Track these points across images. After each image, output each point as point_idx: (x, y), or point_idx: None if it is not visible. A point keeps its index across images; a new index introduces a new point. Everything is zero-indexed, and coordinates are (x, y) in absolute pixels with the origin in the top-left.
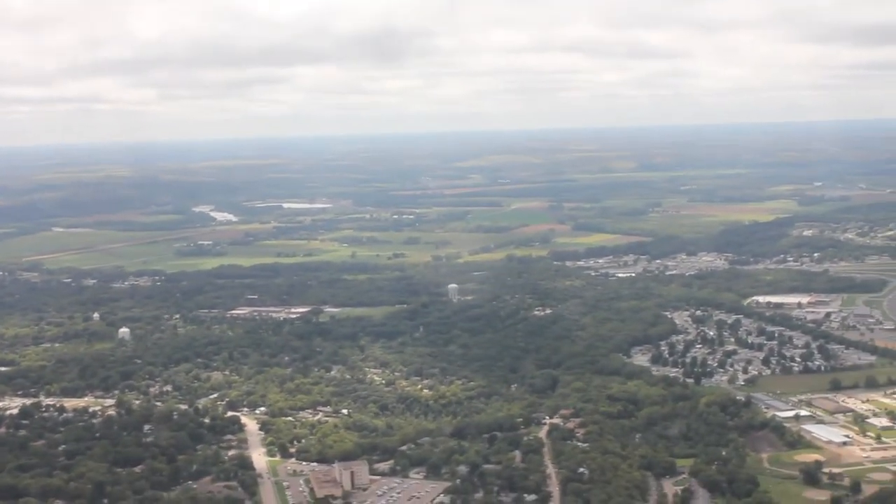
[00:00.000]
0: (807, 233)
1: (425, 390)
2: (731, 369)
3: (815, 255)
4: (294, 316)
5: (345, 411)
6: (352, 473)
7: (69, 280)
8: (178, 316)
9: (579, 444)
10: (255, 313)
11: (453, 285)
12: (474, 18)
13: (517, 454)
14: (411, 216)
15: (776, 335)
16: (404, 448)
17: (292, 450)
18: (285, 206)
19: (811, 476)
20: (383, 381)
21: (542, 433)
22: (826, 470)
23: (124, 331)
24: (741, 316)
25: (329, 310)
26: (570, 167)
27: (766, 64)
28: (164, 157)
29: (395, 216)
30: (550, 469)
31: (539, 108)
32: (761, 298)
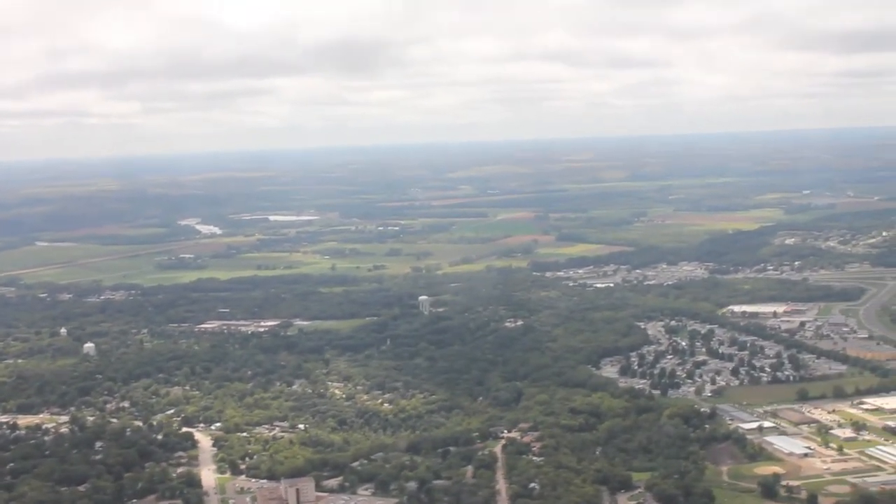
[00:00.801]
0: (789, 241)
1: (385, 404)
2: (699, 380)
3: (796, 263)
4: (262, 329)
5: (301, 426)
6: (297, 491)
7: (45, 295)
8: (145, 330)
9: (534, 458)
10: (224, 327)
11: (424, 297)
12: (442, 27)
13: (469, 469)
14: (396, 228)
15: (748, 345)
16: (356, 464)
17: (243, 466)
18: (271, 218)
19: (769, 489)
20: (344, 396)
21: (498, 448)
22: (784, 483)
23: (89, 346)
24: (715, 326)
25: (299, 323)
26: (560, 177)
27: (750, 72)
28: (153, 170)
29: (381, 228)
30: (501, 484)
31: (529, 118)
32: (737, 308)
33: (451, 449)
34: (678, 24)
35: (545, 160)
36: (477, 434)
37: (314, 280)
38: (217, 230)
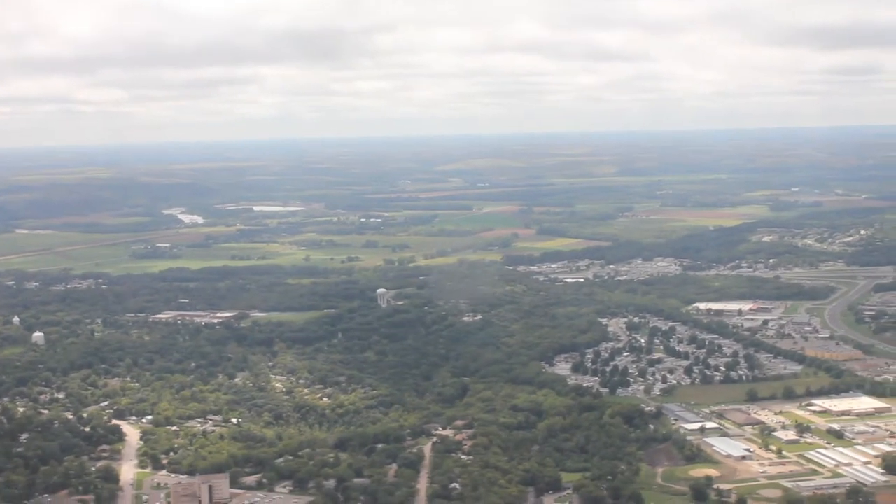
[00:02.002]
0: (766, 238)
1: (325, 399)
2: (650, 379)
3: (771, 261)
4: (216, 321)
5: (235, 420)
6: (210, 488)
7: (12, 282)
8: (99, 320)
9: (463, 457)
10: (179, 318)
11: (382, 290)
12: (405, 16)
13: (393, 468)
14: (379, 219)
15: (706, 343)
16: (280, 460)
17: (165, 461)
18: (256, 208)
19: (699, 492)
20: (284, 389)
21: (428, 446)
22: (717, 486)
23: (38, 335)
24: (678, 323)
25: (256, 314)
26: (551, 171)
27: (737, 68)
28: (147, 159)
29: (363, 219)
30: (422, 484)
31: (524, 112)
32: (702, 305)
33: (378, 446)
34: (649, 16)
35: (538, 154)
36: (409, 431)
37: (284, 271)
38: (200, 220)
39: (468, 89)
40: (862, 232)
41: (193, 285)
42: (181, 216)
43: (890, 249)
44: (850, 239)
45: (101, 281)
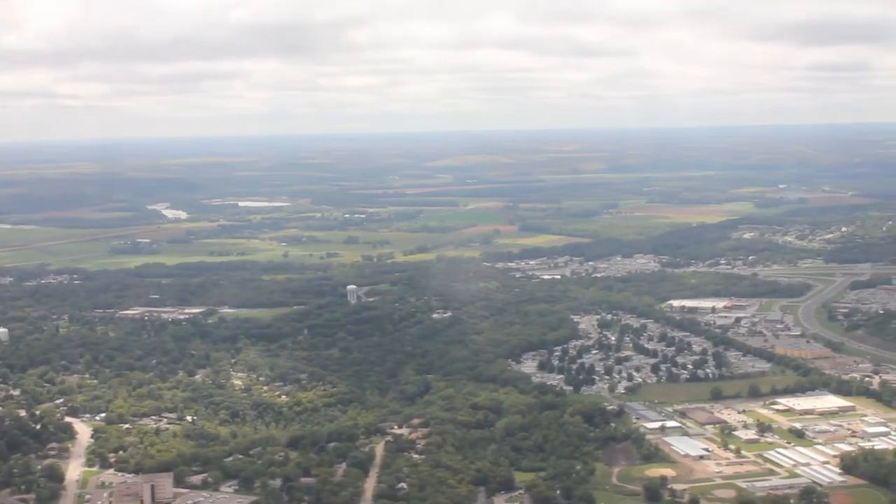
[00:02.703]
0: (747, 235)
1: (283, 396)
2: (616, 377)
3: (750, 258)
4: (183, 317)
5: (189, 418)
6: (152, 487)
7: None
8: (66, 316)
9: (416, 456)
10: (147, 314)
11: (352, 287)
12: (380, 10)
13: (343, 467)
14: (363, 215)
15: (676, 341)
16: (230, 459)
17: (113, 459)
18: (241, 204)
19: (653, 493)
20: (243, 387)
21: (381, 445)
22: (671, 486)
23: (2, 331)
24: (650, 321)
25: (225, 311)
26: (541, 168)
27: (721, 63)
28: (137, 154)
29: (347, 215)
30: (370, 483)
31: (516, 108)
32: (676, 303)
33: (330, 445)
34: (624, 12)
35: (529, 151)
36: (363, 430)
37: (260, 267)
38: (184, 215)
39: (456, 85)
40: (843, 229)
41: (167, 281)
42: (165, 212)
43: (869, 246)
44: (830, 236)
45: (75, 276)
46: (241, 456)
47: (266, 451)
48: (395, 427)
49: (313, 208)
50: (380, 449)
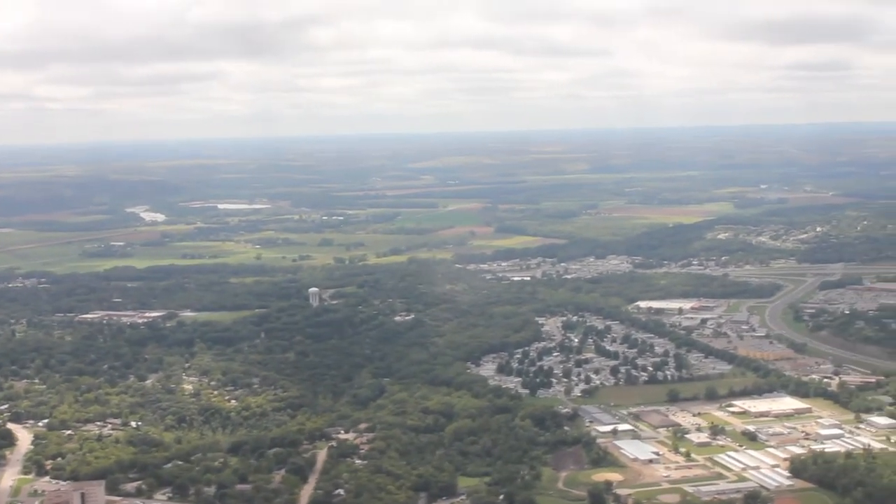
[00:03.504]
0: (721, 236)
1: (233, 401)
2: (574, 379)
3: (723, 258)
4: (142, 321)
5: (134, 424)
6: (83, 495)
7: None
8: (24, 320)
9: (358, 461)
10: (106, 318)
11: (314, 289)
12: (339, 10)
13: (282, 473)
14: (341, 217)
15: (639, 343)
16: (169, 466)
17: (49, 467)
18: (220, 206)
19: (597, 498)
20: (193, 391)
21: (324, 450)
22: (616, 491)
23: None
24: (616, 322)
25: (186, 314)
26: (524, 169)
27: (700, 63)
28: (122, 156)
29: (325, 217)
30: (307, 490)
31: (502, 109)
32: (643, 304)
33: (270, 451)
34: (590, 11)
35: (513, 151)
36: (307, 435)
37: (230, 270)
38: (162, 218)
39: (439, 86)
40: (818, 229)
41: (134, 284)
42: (144, 214)
43: (843, 246)
44: (804, 236)
45: (43, 280)
46: (180, 462)
47: (206, 458)
48: (342, 432)
49: (292, 210)
50: (322, 455)
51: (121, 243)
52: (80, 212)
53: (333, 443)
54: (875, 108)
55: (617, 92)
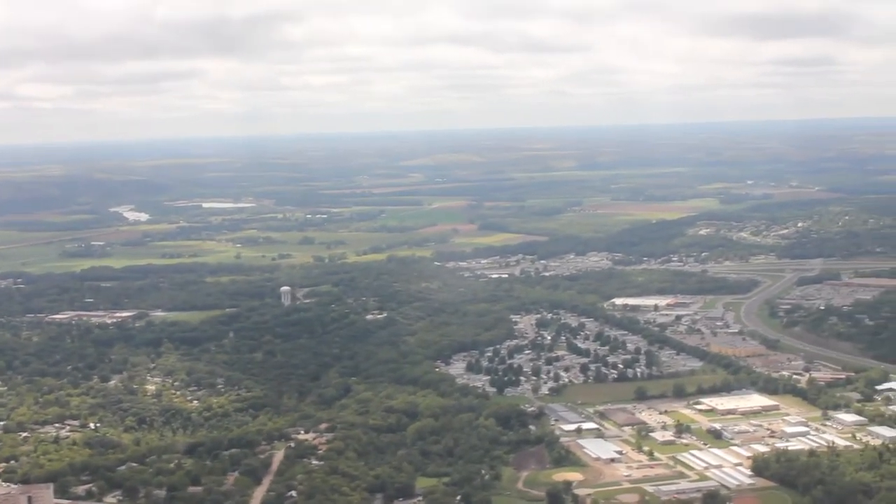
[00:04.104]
0: (703, 232)
1: (195, 402)
2: (544, 377)
3: (703, 254)
4: (111, 321)
5: (93, 425)
6: (29, 498)
7: None
8: None
9: (315, 462)
10: (76, 318)
11: (286, 288)
12: (308, 4)
13: (235, 475)
14: (325, 216)
15: (611, 340)
16: (123, 468)
17: (0, 469)
18: (205, 205)
19: (556, 498)
20: (156, 392)
21: (281, 451)
22: (575, 491)
23: None
24: (590, 319)
25: (157, 314)
26: (513, 166)
27: (685, 59)
28: (113, 156)
29: (309, 216)
30: (259, 492)
31: (492, 106)
32: (619, 301)
33: (226, 453)
34: (564, 7)
35: (502, 148)
36: (265, 436)
37: (208, 269)
38: (145, 217)
39: (427, 83)
40: (799, 224)
41: (109, 284)
42: (127, 214)
43: (823, 241)
44: (785, 231)
45: (19, 280)
46: (135, 464)
47: (161, 460)
48: (302, 432)
49: (277, 209)
50: (279, 456)
51: (101, 243)
52: (63, 211)
53: (292, 443)
54: (863, 103)
55: (605, 89)
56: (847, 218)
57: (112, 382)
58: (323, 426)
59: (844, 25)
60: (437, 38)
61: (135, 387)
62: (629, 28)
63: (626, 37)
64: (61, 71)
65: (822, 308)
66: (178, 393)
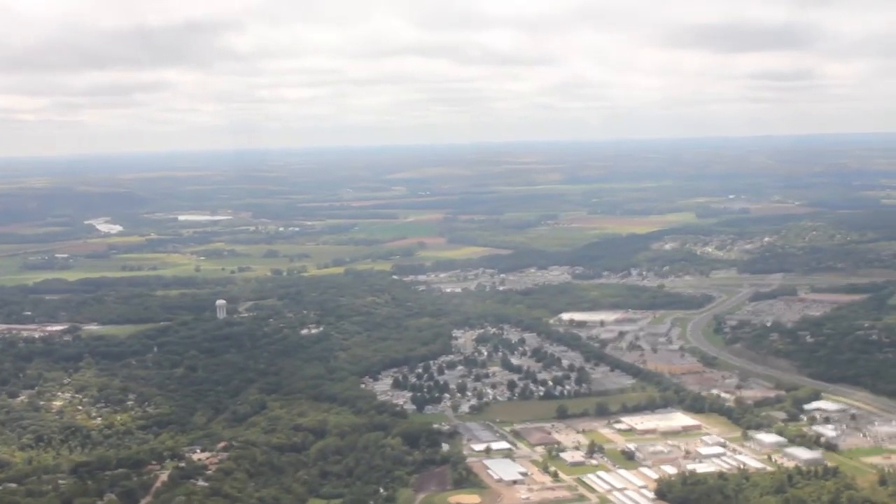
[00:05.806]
0: (667, 246)
1: (98, 419)
2: (468, 394)
3: (664, 268)
4: (39, 335)
5: None
6: None
7: None
8: None
9: (200, 483)
10: (6, 331)
11: (221, 302)
12: (249, 13)
13: (110, 497)
14: (297, 228)
15: (547, 356)
16: (0, 488)
17: None
18: (181, 218)
19: None
20: (60, 409)
21: (168, 471)
22: None
23: None
24: (533, 334)
25: (90, 327)
26: (497, 179)
27: (657, 72)
28: (99, 169)
29: (282, 228)
30: None
31: (481, 120)
32: (566, 316)
33: (108, 473)
34: (513, 16)
35: (489, 162)
36: (157, 455)
37: (162, 282)
38: (119, 229)
39: (407, 97)
40: (766, 239)
41: (57, 297)
42: (102, 226)
43: (786, 256)
44: (749, 246)
45: None
46: (13, 485)
47: (40, 480)
48: (198, 451)
49: (252, 221)
50: (163, 476)
51: (65, 255)
52: (38, 224)
53: (182, 463)
54: (852, 119)
55: (592, 103)
56: (814, 233)
57: (19, 399)
58: (220, 445)
59: (813, 37)
60: (400, 49)
61: (41, 403)
62: (591, 39)
63: (590, 48)
64: (27, 82)
65: (768, 325)
66: (84, 410)
